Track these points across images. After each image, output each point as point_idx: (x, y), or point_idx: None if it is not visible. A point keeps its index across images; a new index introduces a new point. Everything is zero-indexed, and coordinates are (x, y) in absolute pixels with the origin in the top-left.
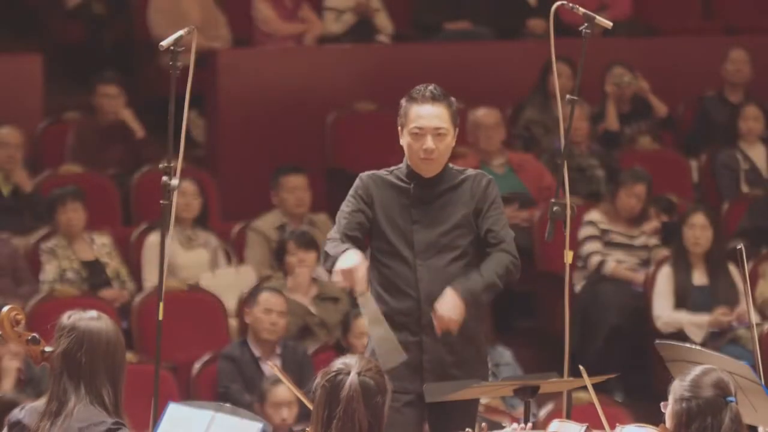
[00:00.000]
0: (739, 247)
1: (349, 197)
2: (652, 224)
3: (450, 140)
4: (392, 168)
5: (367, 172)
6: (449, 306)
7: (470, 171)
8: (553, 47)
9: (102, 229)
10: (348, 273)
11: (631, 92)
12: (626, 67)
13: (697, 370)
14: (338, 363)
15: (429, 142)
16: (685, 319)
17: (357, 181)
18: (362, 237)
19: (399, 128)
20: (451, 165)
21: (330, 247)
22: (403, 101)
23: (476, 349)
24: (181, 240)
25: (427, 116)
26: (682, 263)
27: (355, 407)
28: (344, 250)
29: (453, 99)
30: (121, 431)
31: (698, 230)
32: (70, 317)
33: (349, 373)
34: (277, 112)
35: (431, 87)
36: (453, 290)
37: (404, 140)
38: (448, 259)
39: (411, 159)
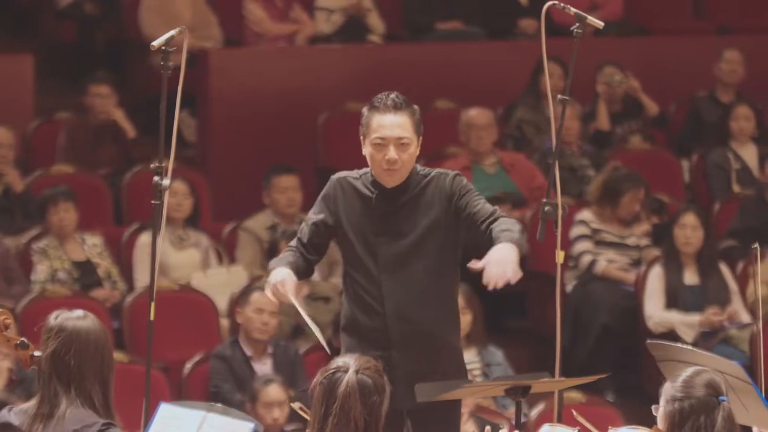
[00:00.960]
0: (754, 246)
1: (317, 201)
2: (643, 227)
3: (413, 149)
4: (362, 171)
5: (338, 174)
6: (505, 256)
7: (434, 172)
8: (545, 47)
9: (93, 229)
10: (275, 288)
11: (622, 91)
12: (617, 67)
13: (688, 371)
14: (337, 361)
15: (392, 153)
16: (677, 318)
17: (328, 185)
18: (323, 242)
19: (361, 138)
20: (418, 168)
21: (274, 260)
22: (364, 110)
23: (451, 355)
24: (173, 240)
25: (389, 126)
26: (673, 263)
27: (351, 404)
28: (273, 268)
29: (416, 107)
30: (113, 429)
31: (689, 230)
32: (57, 318)
33: (347, 371)
34: (269, 112)
35: (393, 95)
36: (504, 243)
37: (366, 150)
38: (419, 269)
39: (374, 169)
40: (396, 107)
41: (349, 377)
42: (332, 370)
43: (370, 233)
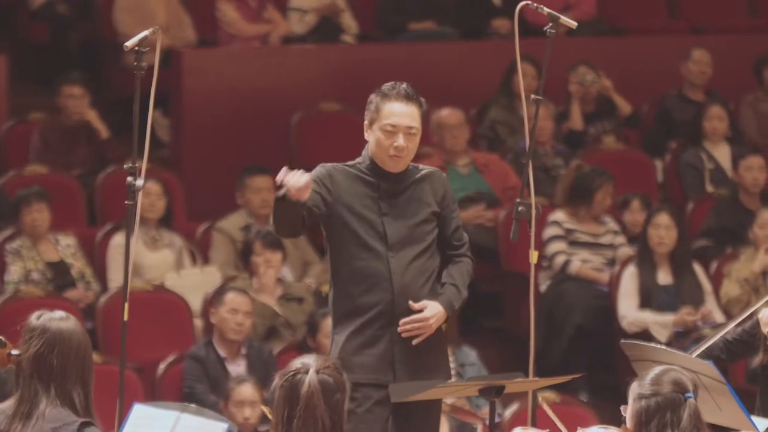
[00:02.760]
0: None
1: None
2: (636, 217)
3: (418, 140)
4: (351, 162)
5: (329, 163)
6: (435, 315)
7: (426, 168)
8: (518, 47)
9: (67, 229)
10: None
11: (595, 91)
12: (589, 66)
13: (655, 369)
14: (296, 363)
15: (401, 140)
16: (650, 318)
17: (319, 169)
18: (311, 215)
19: (367, 123)
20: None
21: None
22: (373, 96)
23: (440, 340)
24: (146, 240)
25: (400, 114)
26: (646, 263)
27: (315, 404)
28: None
29: (423, 99)
30: (90, 428)
31: (663, 230)
32: (39, 318)
33: (307, 372)
34: (242, 112)
35: (404, 86)
36: (439, 303)
37: (373, 135)
38: (416, 252)
39: (379, 155)
40: (408, 97)
41: (311, 377)
42: (292, 372)
43: (374, 213)
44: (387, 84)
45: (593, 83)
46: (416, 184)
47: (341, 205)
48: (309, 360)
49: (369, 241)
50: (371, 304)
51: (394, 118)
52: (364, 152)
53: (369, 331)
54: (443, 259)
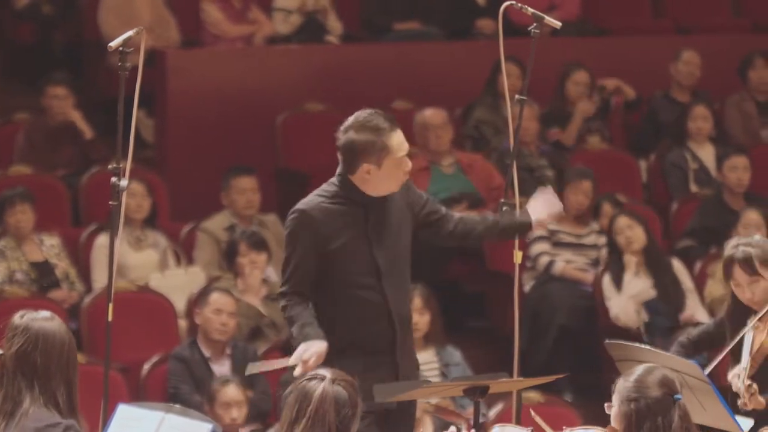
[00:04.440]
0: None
1: (293, 241)
2: (605, 222)
3: None
4: (327, 192)
5: (306, 205)
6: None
7: None
8: (503, 47)
9: (51, 230)
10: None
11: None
12: (587, 71)
13: (639, 369)
14: (312, 372)
15: (409, 162)
16: (634, 290)
17: (300, 217)
18: (309, 286)
19: (370, 165)
20: None
21: (294, 312)
22: (370, 136)
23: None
24: (131, 241)
25: (404, 140)
26: (618, 266)
27: (326, 409)
28: (304, 335)
29: None
30: None
31: (627, 231)
32: (23, 317)
33: (323, 379)
34: (227, 112)
35: (380, 113)
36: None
37: (383, 171)
38: (404, 270)
39: (389, 184)
40: (394, 122)
41: (326, 385)
42: (308, 378)
43: (364, 245)
44: (364, 118)
45: (610, 93)
46: (392, 198)
47: (334, 248)
48: (325, 371)
49: (363, 274)
50: (374, 335)
51: (404, 145)
52: (340, 179)
53: (373, 359)
54: (435, 228)
